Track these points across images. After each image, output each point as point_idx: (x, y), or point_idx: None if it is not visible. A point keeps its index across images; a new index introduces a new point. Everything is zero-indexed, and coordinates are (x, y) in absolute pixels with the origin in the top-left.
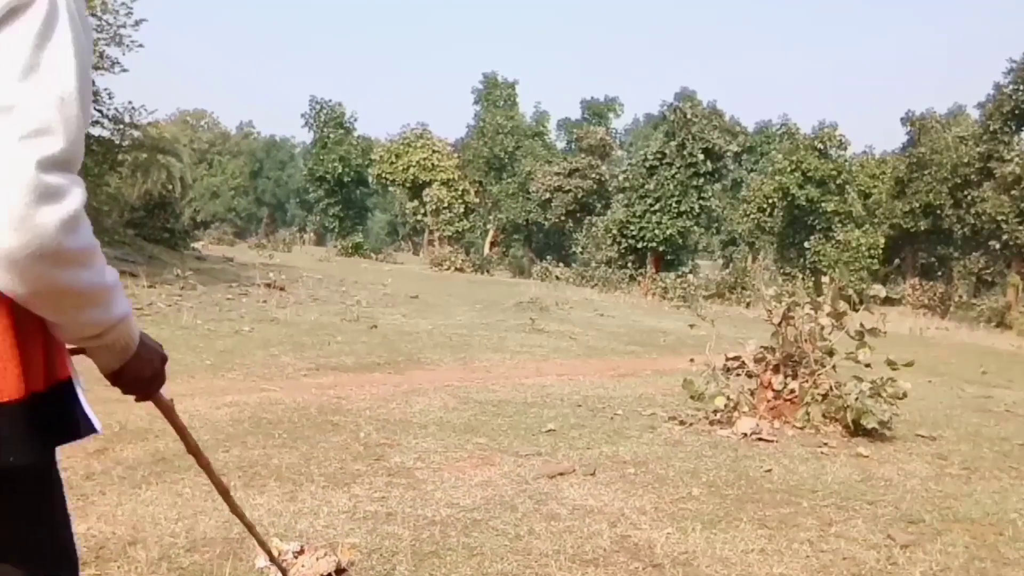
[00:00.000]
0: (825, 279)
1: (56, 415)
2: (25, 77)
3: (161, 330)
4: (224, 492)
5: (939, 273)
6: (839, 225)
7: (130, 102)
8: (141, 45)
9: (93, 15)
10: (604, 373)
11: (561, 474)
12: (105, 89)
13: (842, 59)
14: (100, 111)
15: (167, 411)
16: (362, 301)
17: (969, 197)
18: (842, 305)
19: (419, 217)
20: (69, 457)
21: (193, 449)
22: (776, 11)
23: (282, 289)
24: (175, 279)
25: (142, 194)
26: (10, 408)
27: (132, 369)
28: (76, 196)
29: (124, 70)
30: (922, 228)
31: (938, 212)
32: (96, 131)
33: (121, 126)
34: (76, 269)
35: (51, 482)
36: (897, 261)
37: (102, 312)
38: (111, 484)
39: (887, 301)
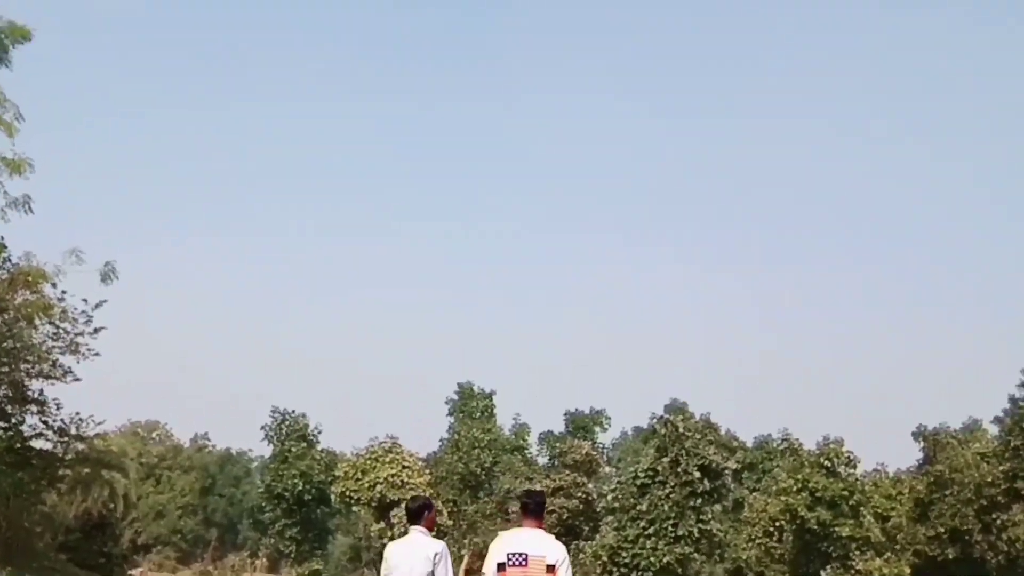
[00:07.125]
0: None
1: None
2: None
3: None
4: None
5: None
6: (857, 552)
7: (77, 413)
8: (97, 354)
9: (51, 324)
10: None
11: None
12: (54, 399)
13: (843, 370)
14: (45, 422)
15: None
16: None
17: (999, 521)
18: None
19: (385, 540)
20: None
21: None
22: (765, 322)
23: None
24: None
25: (80, 513)
26: None
27: None
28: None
29: (77, 379)
30: (951, 556)
31: (966, 538)
32: (39, 444)
33: (66, 438)
34: None
35: None
36: None
37: None
38: None
39: None
